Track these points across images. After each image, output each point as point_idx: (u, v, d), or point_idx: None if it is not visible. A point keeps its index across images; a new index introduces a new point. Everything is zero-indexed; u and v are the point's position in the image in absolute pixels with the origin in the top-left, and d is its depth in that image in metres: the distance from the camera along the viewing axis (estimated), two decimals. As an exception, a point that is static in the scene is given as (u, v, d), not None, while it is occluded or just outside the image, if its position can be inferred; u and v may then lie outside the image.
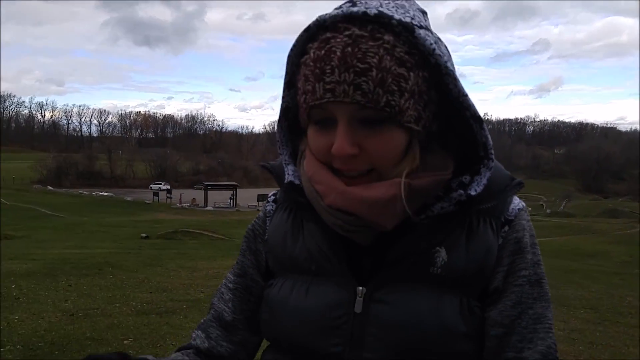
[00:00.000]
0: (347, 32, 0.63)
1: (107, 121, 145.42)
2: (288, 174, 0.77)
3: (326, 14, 0.66)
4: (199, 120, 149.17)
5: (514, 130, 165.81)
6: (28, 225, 25.33)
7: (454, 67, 0.68)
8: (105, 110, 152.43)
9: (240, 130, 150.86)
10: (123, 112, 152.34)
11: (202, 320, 0.88)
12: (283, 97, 0.76)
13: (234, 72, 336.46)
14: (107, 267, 8.85)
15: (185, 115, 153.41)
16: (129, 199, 51.55)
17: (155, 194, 53.12)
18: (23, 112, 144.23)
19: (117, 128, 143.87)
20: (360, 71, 0.62)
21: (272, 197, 0.88)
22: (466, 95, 0.67)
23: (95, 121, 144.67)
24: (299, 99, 0.70)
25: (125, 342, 4.65)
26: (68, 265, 8.79)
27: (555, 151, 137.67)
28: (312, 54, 0.65)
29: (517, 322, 0.72)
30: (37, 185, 63.00)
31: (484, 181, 0.69)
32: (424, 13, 0.71)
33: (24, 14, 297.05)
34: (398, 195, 0.66)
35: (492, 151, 0.70)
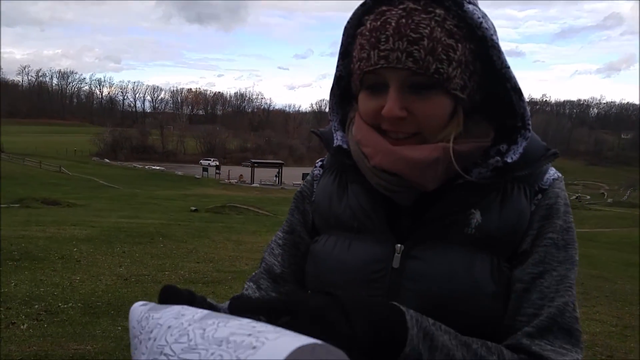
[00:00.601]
0: (401, 6, 0.69)
1: (159, 97, 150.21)
2: (337, 138, 0.83)
3: None
4: (247, 98, 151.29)
5: (575, 112, 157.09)
6: (87, 195, 26.82)
7: (498, 41, 0.72)
8: (158, 87, 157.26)
9: (287, 108, 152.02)
10: (175, 88, 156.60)
11: (253, 273, 0.95)
12: (337, 67, 0.81)
13: (283, 49, 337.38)
14: (158, 237, 9.30)
15: (235, 93, 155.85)
16: (179, 173, 53.31)
17: (205, 169, 54.49)
18: (84, 88, 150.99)
19: (169, 104, 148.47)
20: (412, 40, 0.67)
21: (320, 163, 0.94)
22: (508, 68, 0.71)
23: (148, 97, 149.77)
24: (354, 66, 0.75)
25: (173, 306, 4.93)
26: (122, 234, 9.31)
27: (622, 136, 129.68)
28: (368, 25, 0.71)
29: (538, 281, 0.74)
30: (96, 157, 66.28)
31: (520, 150, 0.73)
32: None
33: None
34: (441, 158, 0.70)
35: (530, 122, 0.74)
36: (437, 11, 0.68)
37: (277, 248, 0.93)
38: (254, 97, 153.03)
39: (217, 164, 60.49)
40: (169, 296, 0.64)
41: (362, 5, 0.74)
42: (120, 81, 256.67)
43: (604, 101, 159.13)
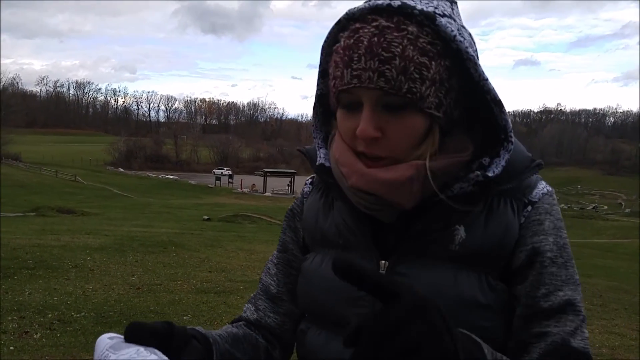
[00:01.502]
0: (374, 23, 0.68)
1: (173, 107, 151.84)
2: (320, 156, 0.83)
3: (355, 7, 0.71)
4: (260, 107, 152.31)
5: (591, 121, 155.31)
6: (101, 204, 27.12)
7: (475, 53, 0.71)
8: (172, 97, 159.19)
9: (300, 118, 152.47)
10: (189, 98, 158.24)
11: (252, 294, 0.96)
12: (318, 85, 0.82)
13: (297, 59, 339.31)
14: (170, 246, 9.33)
15: (248, 103, 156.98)
16: (192, 182, 53.69)
17: (218, 178, 54.90)
18: (99, 99, 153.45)
19: (182, 114, 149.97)
20: (384, 59, 0.66)
21: (310, 180, 0.95)
22: (487, 80, 0.70)
23: (162, 107, 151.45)
24: (330, 84, 0.75)
25: (184, 317, 4.93)
26: (135, 243, 9.35)
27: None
28: (342, 42, 0.70)
29: (543, 302, 0.73)
30: (110, 167, 67.09)
31: (503, 163, 0.72)
32: (452, 2, 0.74)
33: (103, 6, 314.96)
34: (414, 176, 0.70)
35: (512, 134, 0.73)
36: (410, 29, 0.67)
37: (272, 268, 0.94)
38: (267, 106, 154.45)
39: (230, 173, 60.80)
40: (133, 334, 0.62)
41: (337, 23, 0.74)
42: (134, 91, 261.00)
43: (621, 110, 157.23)
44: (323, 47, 0.77)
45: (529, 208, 0.76)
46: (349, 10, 0.72)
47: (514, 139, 0.73)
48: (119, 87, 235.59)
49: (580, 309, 0.74)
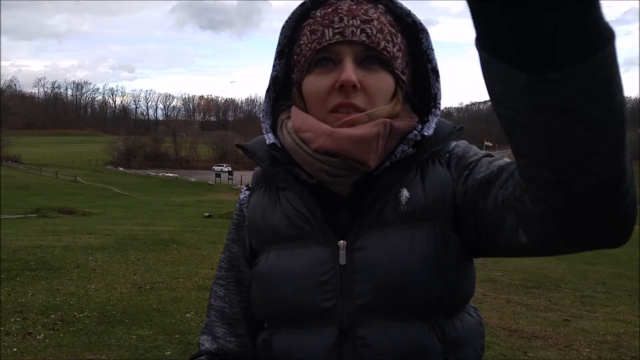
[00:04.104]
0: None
1: (171, 105, 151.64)
2: (269, 138, 0.82)
3: None
4: (258, 103, 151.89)
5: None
6: (102, 204, 27.11)
7: (426, 27, 0.80)
8: (170, 95, 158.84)
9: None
10: (187, 96, 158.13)
11: (204, 325, 0.91)
12: (274, 67, 0.82)
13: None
14: (172, 244, 9.32)
15: (246, 99, 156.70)
16: (192, 179, 53.69)
17: (218, 175, 54.75)
18: (97, 98, 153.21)
19: (181, 112, 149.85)
20: (365, 20, 0.74)
21: (245, 187, 0.93)
22: (433, 50, 0.80)
23: (160, 105, 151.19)
24: (300, 52, 0.78)
25: (187, 315, 4.91)
26: (137, 241, 9.35)
27: None
28: (318, 13, 0.77)
29: (491, 167, 0.72)
30: (110, 166, 67.08)
31: (433, 125, 0.79)
32: None
33: (102, 5, 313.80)
34: (381, 133, 0.73)
35: (440, 102, 0.80)
36: (380, 5, 0.77)
37: (220, 290, 0.90)
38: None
39: (230, 169, 60.77)
40: None
41: (301, 5, 0.79)
42: (132, 90, 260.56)
43: (633, 96, 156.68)
44: (284, 28, 0.80)
45: (447, 155, 0.82)
46: None
47: (440, 106, 0.80)
48: (116, 87, 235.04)
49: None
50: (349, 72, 0.73)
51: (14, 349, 3.79)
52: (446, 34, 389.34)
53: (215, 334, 0.89)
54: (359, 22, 0.73)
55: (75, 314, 4.72)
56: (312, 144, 0.75)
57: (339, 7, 0.75)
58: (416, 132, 0.78)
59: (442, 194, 0.77)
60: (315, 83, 0.76)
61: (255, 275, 0.84)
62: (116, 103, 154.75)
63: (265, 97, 0.85)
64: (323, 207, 0.79)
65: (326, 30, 0.74)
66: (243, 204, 0.91)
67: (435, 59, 0.80)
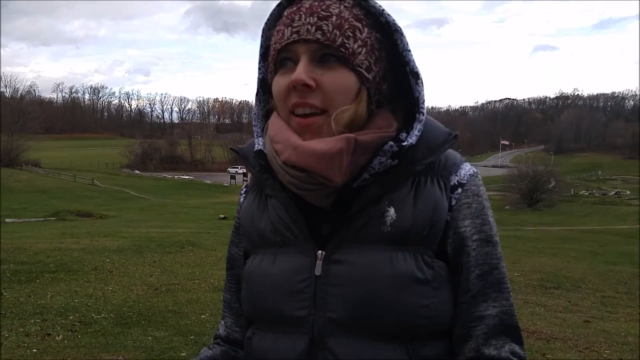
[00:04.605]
0: None
1: (186, 108, 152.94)
2: (259, 144, 0.83)
3: None
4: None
5: (610, 105, 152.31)
6: (119, 206, 27.48)
7: (400, 27, 0.76)
8: (185, 98, 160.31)
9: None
10: (202, 98, 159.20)
11: (222, 311, 0.99)
12: (259, 69, 0.82)
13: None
14: (188, 246, 9.40)
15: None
16: (208, 182, 54.14)
17: (233, 177, 55.18)
18: (114, 102, 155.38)
19: (196, 114, 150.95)
20: (322, 17, 0.72)
21: (244, 190, 0.94)
22: (409, 51, 0.76)
23: (176, 108, 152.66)
24: (271, 53, 0.77)
25: (202, 316, 4.94)
26: (153, 243, 9.44)
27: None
28: (286, 12, 0.76)
29: (481, 283, 0.77)
30: (126, 169, 67.92)
31: (416, 132, 0.75)
32: None
33: (118, 9, 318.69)
34: (344, 149, 0.71)
35: (423, 105, 0.76)
36: (347, 1, 0.74)
37: (228, 284, 0.96)
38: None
39: (245, 171, 60.98)
40: None
41: (278, 5, 0.78)
42: (148, 93, 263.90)
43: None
44: (263, 30, 0.80)
45: (459, 190, 0.78)
46: None
47: (425, 111, 0.76)
48: (132, 90, 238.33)
49: (507, 282, 0.79)
50: (299, 71, 0.72)
51: (34, 350, 3.85)
52: (460, 32, 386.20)
53: (226, 322, 0.96)
54: (315, 19, 0.72)
55: (93, 315, 4.79)
56: (281, 155, 0.75)
57: (303, 5, 0.74)
58: (392, 143, 0.74)
59: (432, 222, 0.76)
60: (277, 84, 0.76)
61: (244, 275, 0.87)
62: (132, 107, 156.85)
63: (255, 101, 0.85)
64: (308, 215, 0.79)
65: (286, 30, 0.73)
66: (241, 207, 0.93)
67: (413, 60, 0.76)
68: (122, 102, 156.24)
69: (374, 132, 0.74)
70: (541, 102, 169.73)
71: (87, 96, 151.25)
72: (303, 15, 0.72)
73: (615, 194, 56.62)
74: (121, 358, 3.75)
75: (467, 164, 0.82)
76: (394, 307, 0.73)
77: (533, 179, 38.85)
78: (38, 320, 4.52)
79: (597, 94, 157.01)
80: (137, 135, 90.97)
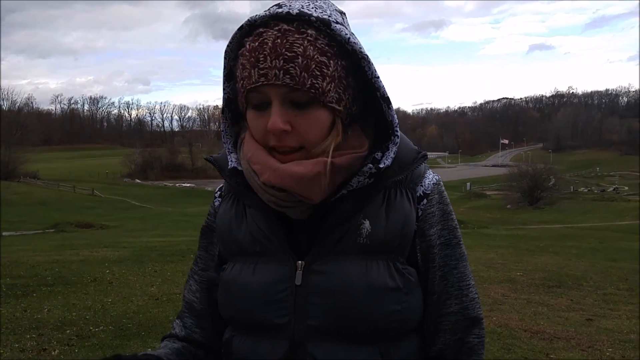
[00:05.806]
0: (276, 27, 0.75)
1: (186, 116, 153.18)
2: (231, 161, 0.86)
3: (256, 15, 0.77)
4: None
5: (604, 102, 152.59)
6: (120, 216, 27.44)
7: (367, 54, 0.78)
8: (185, 106, 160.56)
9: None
10: (201, 106, 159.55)
11: (180, 310, 0.99)
12: (224, 89, 0.85)
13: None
14: (189, 254, 9.33)
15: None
16: (209, 189, 54.02)
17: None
18: (113, 112, 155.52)
19: (196, 122, 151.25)
20: (288, 58, 0.73)
21: (218, 193, 0.96)
22: (378, 78, 0.78)
23: (176, 117, 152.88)
24: (238, 86, 0.79)
25: (203, 325, 4.90)
26: (154, 253, 9.41)
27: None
28: (247, 46, 0.76)
29: (443, 283, 0.85)
30: (127, 178, 67.92)
31: (392, 155, 0.80)
32: (342, 13, 0.82)
33: (117, 20, 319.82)
34: (322, 172, 0.76)
35: (397, 129, 0.80)
36: (309, 32, 0.74)
37: (194, 284, 0.96)
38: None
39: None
40: None
41: (239, 29, 0.79)
42: (147, 102, 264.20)
43: (633, 89, 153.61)
44: (226, 52, 0.81)
45: (424, 201, 0.85)
46: (250, 18, 0.77)
47: (399, 133, 0.81)
48: (132, 100, 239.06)
49: (468, 279, 0.88)
50: (275, 118, 0.74)
51: (31, 366, 3.81)
52: (459, 33, 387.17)
53: (185, 323, 0.96)
54: (281, 62, 0.72)
55: (91, 328, 4.74)
56: (260, 176, 0.78)
57: (265, 40, 0.74)
58: (371, 165, 0.79)
59: (402, 234, 0.82)
60: (253, 122, 0.79)
61: (222, 281, 0.89)
62: (132, 116, 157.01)
63: (222, 119, 0.87)
64: (286, 226, 0.83)
65: (252, 71, 0.74)
66: (217, 210, 0.94)
67: (383, 87, 0.79)
68: (122, 111, 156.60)
69: (349, 153, 0.79)
70: (538, 101, 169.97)
71: (86, 107, 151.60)
72: (268, 58, 0.73)
73: (614, 190, 56.50)
74: (119, 371, 3.71)
75: (430, 171, 0.88)
76: (369, 314, 0.79)
77: (533, 177, 38.86)
78: (34, 335, 4.48)
79: (592, 92, 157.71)
80: (137, 144, 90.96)
